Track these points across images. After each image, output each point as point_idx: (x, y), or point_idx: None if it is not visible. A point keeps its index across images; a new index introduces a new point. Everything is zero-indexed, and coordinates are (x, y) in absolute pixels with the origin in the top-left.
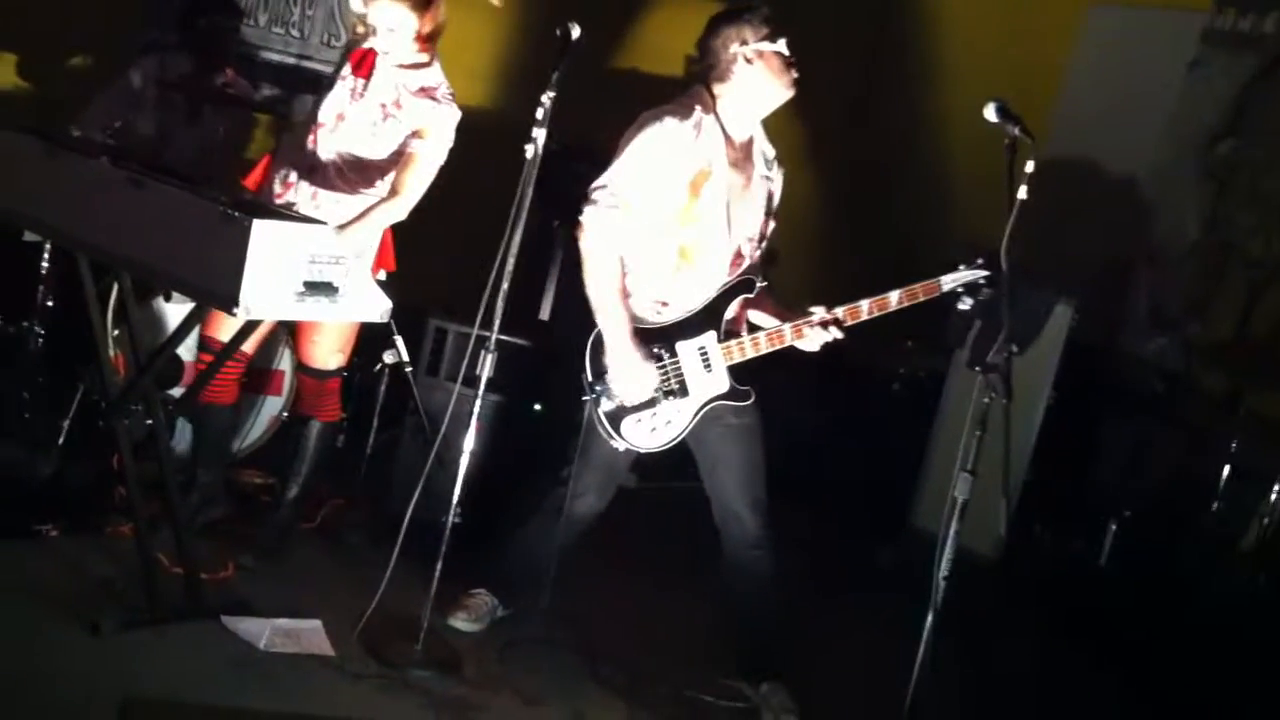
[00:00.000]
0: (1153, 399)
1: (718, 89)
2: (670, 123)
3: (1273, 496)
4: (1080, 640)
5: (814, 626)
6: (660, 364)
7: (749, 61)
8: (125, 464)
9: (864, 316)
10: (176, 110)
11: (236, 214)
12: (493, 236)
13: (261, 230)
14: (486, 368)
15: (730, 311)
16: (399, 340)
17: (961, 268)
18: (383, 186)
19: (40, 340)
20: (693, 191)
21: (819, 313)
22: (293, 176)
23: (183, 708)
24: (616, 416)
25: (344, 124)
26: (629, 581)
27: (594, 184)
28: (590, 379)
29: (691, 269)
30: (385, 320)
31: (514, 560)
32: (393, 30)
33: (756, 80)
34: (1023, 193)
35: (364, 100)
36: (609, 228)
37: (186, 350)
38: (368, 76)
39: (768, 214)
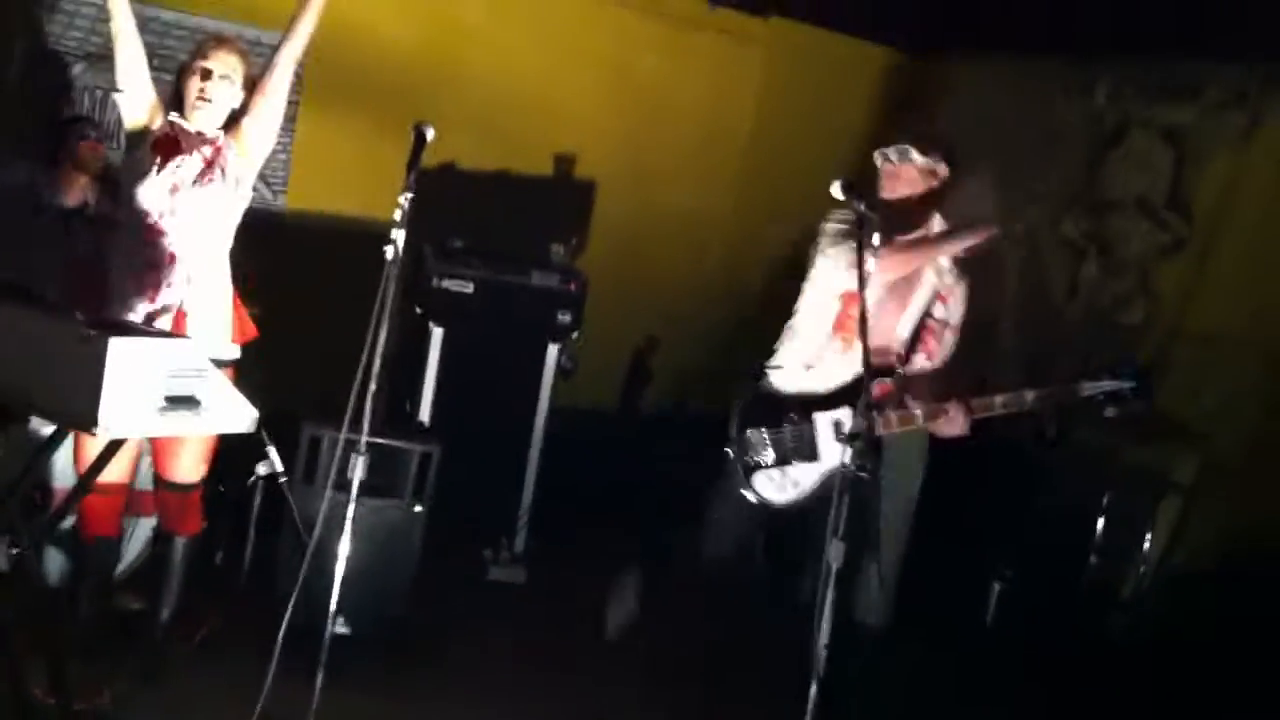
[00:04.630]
0: (1029, 458)
1: None
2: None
3: (1145, 546)
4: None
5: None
6: (796, 428)
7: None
8: None
9: (996, 411)
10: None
11: (92, 333)
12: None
13: (118, 348)
14: (359, 471)
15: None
16: (272, 450)
17: (1105, 376)
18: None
19: None
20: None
21: (953, 404)
22: (132, 283)
23: None
24: (752, 470)
25: (178, 214)
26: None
27: None
28: (734, 434)
29: (837, 347)
30: (254, 429)
31: None
32: (227, 78)
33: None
34: (871, 265)
35: (191, 175)
36: None
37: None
38: (189, 152)
39: (929, 318)
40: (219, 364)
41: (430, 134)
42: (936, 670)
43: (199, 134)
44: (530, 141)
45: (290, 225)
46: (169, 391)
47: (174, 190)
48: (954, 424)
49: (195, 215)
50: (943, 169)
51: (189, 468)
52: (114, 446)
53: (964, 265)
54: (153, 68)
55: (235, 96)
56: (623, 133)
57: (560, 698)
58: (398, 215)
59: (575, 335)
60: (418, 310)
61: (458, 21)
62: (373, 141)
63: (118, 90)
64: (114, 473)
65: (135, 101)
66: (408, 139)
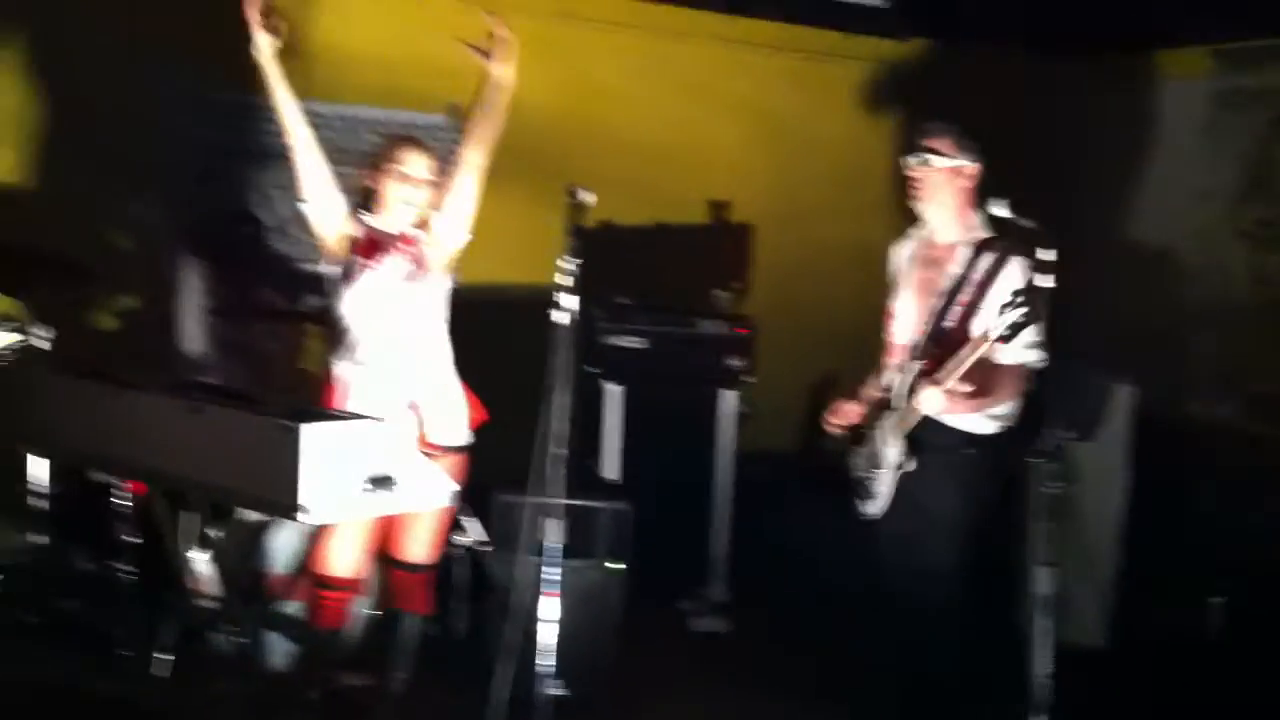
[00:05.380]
0: (1236, 462)
1: None
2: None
3: None
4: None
5: None
6: (874, 441)
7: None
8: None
9: (954, 372)
10: (226, 326)
11: (286, 423)
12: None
13: (311, 434)
14: (554, 534)
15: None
16: (472, 520)
17: (1003, 309)
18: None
19: (128, 577)
20: (892, 288)
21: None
22: (364, 384)
23: None
24: (858, 485)
25: (394, 313)
26: None
27: None
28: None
29: (891, 357)
30: (453, 503)
31: None
32: (426, 180)
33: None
34: (1049, 281)
35: (399, 274)
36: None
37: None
38: (392, 251)
39: (967, 314)
40: (455, 450)
41: (586, 197)
42: (1166, 694)
43: (400, 234)
44: (681, 192)
45: (464, 301)
46: (368, 473)
47: (385, 291)
48: (929, 401)
49: (410, 312)
50: (969, 166)
51: (425, 548)
52: (327, 532)
53: (1008, 246)
54: None
55: (427, 197)
56: (772, 171)
57: None
58: (563, 279)
59: (749, 380)
60: (592, 370)
61: (594, 83)
62: (532, 209)
63: (302, 201)
64: (346, 567)
65: (325, 210)
66: (563, 204)
